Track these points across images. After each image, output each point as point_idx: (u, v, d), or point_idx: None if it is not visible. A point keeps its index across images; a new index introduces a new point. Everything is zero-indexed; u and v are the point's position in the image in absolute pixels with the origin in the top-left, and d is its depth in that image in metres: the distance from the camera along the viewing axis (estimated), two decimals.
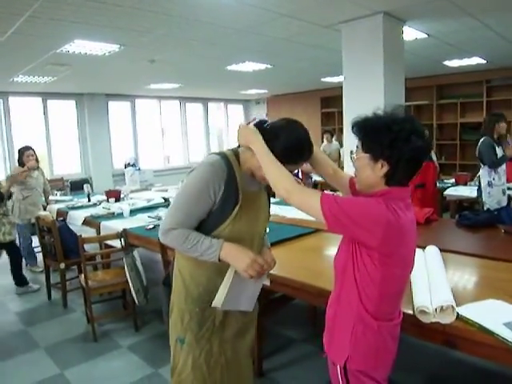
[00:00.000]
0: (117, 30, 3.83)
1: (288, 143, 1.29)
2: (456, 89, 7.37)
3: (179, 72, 6.33)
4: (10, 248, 3.94)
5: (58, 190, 7.56)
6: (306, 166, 4.73)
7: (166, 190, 5.37)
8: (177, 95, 9.47)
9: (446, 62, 6.13)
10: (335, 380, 1.30)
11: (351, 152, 1.30)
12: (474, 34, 4.43)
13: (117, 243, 3.08)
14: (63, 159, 8.37)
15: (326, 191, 1.41)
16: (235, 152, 1.43)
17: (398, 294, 1.30)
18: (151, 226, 3.21)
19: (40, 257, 4.62)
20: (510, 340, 1.29)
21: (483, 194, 3.77)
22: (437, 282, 1.65)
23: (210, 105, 10.63)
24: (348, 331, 1.25)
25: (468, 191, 4.59)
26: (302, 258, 2.32)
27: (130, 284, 2.85)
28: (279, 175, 1.25)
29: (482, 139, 3.73)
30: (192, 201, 1.35)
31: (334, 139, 7.27)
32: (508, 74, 6.69)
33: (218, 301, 1.42)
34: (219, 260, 1.34)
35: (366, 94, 3.65)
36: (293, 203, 1.22)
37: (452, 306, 1.46)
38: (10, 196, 4.16)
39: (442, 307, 1.46)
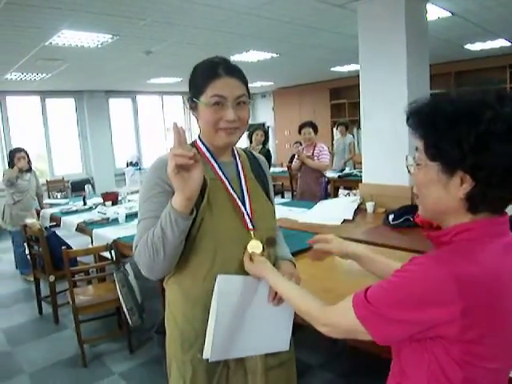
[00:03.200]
0: (107, 18, 3.47)
1: (197, 66, 1.11)
2: (477, 75, 6.88)
3: (179, 65, 5.95)
4: None
5: (58, 192, 7.31)
6: (319, 163, 4.17)
7: None
8: (179, 90, 9.11)
9: (468, 46, 5.67)
10: None
11: (406, 158, 0.84)
12: (504, 11, 3.98)
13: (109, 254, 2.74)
14: (64, 159, 8.09)
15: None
16: (191, 143, 1.16)
17: None
18: None
19: None
20: None
21: None
22: None
23: None
24: None
25: None
26: (322, 276, 1.93)
27: (122, 302, 2.50)
28: (303, 304, 0.94)
29: None
30: (147, 205, 1.07)
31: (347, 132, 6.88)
32: None
33: (206, 350, 1.06)
34: (180, 213, 0.95)
35: (387, 82, 3.23)
36: (334, 330, 0.86)
37: None
38: None
39: None
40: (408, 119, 0.79)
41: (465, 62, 6.79)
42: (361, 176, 3.71)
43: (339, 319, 0.84)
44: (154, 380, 2.41)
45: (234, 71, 1.07)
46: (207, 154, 1.12)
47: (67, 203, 4.75)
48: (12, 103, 7.36)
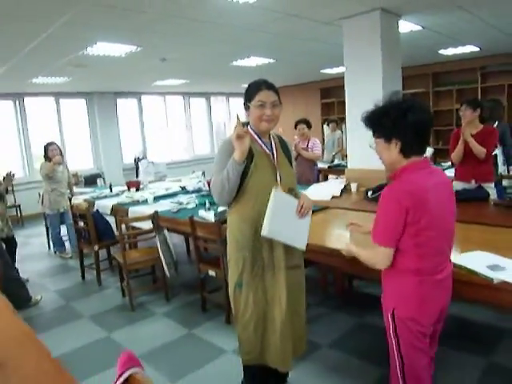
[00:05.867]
0: (137, 33, 4.15)
1: (250, 84, 1.88)
2: (451, 76, 7.67)
3: (187, 69, 6.65)
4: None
5: (73, 185, 7.97)
6: (312, 154, 5.05)
7: (180, 180, 5.75)
8: (181, 91, 9.77)
9: (441, 51, 6.44)
10: (387, 323, 1.58)
11: (370, 146, 1.64)
12: (467, 26, 4.74)
13: (145, 226, 3.46)
14: (76, 155, 8.73)
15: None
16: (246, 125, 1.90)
17: (439, 252, 1.50)
18: (176, 210, 3.58)
19: (67, 244, 5.05)
20: (489, 277, 1.62)
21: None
22: None
23: (213, 99, 10.93)
24: (394, 286, 1.55)
25: None
26: (316, 229, 2.68)
27: (162, 258, 3.23)
28: (366, 257, 1.60)
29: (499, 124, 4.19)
30: (219, 162, 1.84)
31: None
32: (502, 61, 6.97)
33: (264, 228, 1.76)
34: (237, 161, 1.74)
35: (366, 83, 4.00)
36: (383, 265, 1.52)
37: None
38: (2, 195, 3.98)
39: None
40: (365, 122, 1.57)
41: (440, 64, 7.57)
42: (347, 166, 4.46)
43: (380, 256, 1.51)
44: (189, 316, 3.16)
45: (271, 86, 1.85)
46: (255, 136, 1.88)
47: (94, 191, 5.45)
48: (29, 104, 7.96)
